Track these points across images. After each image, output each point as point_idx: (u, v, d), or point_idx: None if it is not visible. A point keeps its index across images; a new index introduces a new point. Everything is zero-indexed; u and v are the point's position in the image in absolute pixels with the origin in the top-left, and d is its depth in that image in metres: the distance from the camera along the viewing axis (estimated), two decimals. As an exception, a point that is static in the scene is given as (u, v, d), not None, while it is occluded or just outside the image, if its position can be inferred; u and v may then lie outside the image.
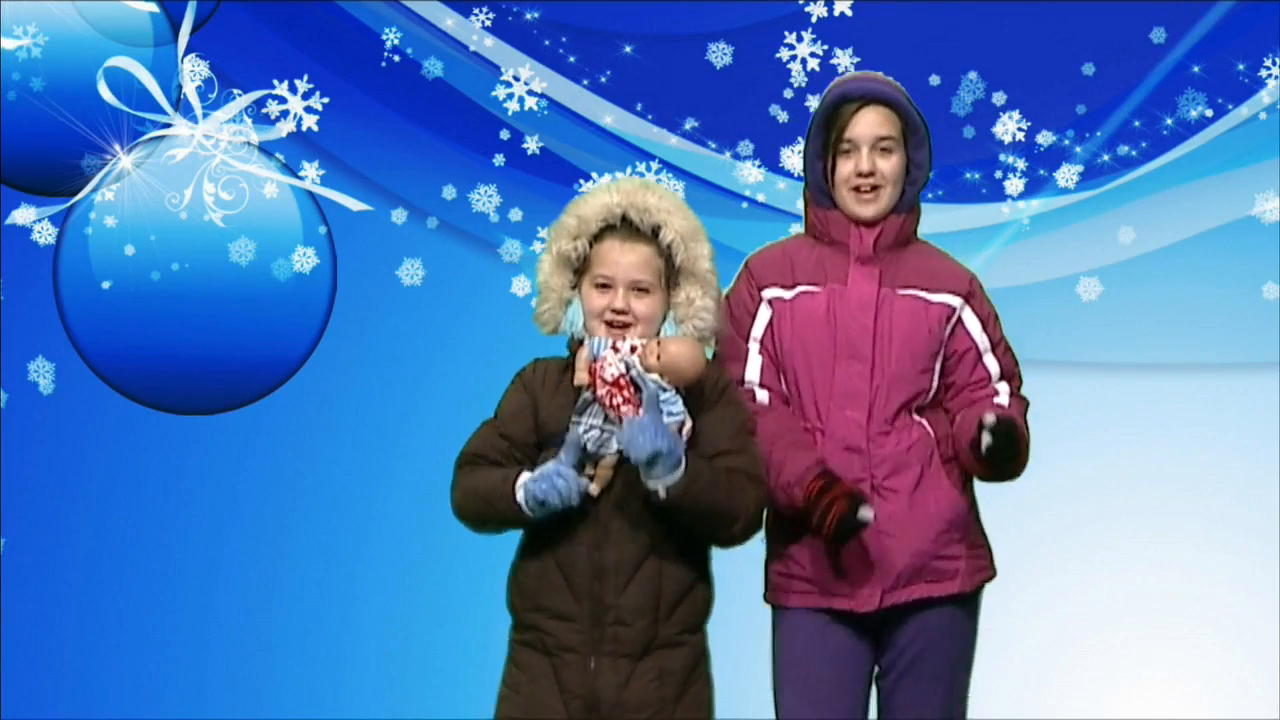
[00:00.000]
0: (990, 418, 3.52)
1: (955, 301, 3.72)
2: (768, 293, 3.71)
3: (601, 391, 3.38)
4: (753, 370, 3.70)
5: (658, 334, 3.49)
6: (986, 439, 3.53)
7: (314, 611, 5.25)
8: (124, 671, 5.26)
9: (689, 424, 3.42)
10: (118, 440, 5.25)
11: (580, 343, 3.49)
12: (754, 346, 3.71)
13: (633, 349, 3.42)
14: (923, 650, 3.69)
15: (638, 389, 3.38)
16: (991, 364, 3.74)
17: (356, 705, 5.20)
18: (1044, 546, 5.11)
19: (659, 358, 3.41)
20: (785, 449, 3.59)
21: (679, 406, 3.40)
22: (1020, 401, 3.77)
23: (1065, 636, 5.12)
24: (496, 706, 3.55)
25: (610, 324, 3.46)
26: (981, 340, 3.73)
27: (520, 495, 3.39)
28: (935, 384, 3.71)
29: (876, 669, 3.75)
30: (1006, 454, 3.57)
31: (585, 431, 3.40)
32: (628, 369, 3.39)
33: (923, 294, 3.70)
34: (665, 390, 3.40)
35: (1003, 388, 3.75)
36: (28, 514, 5.26)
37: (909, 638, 3.69)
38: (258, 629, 5.25)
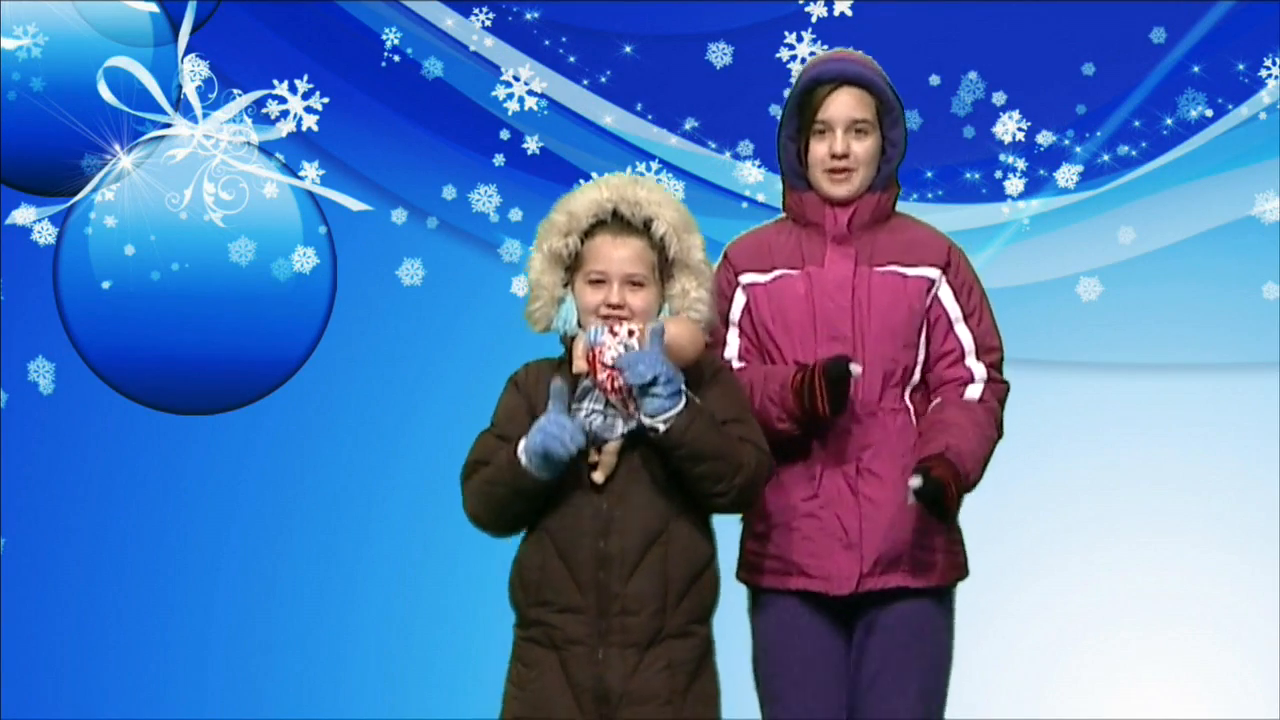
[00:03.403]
0: (916, 481, 3.49)
1: (934, 274, 3.70)
2: (744, 278, 3.72)
3: (602, 376, 3.38)
4: (730, 350, 3.72)
5: None
6: (911, 499, 3.51)
7: (314, 611, 5.25)
8: (124, 671, 5.26)
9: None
10: (118, 440, 5.25)
11: (574, 340, 3.49)
12: (732, 330, 3.72)
13: (631, 333, 3.42)
14: (901, 644, 3.67)
15: None
16: (964, 335, 3.70)
17: (356, 705, 5.20)
18: (1044, 546, 5.11)
19: None
20: (763, 373, 3.62)
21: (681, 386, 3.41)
22: (996, 387, 3.72)
23: (1065, 636, 5.12)
24: (503, 705, 3.52)
25: (606, 319, 3.45)
26: (953, 309, 3.70)
27: (522, 458, 3.36)
28: (921, 359, 3.70)
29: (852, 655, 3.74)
30: (936, 512, 3.55)
31: (587, 416, 3.40)
32: (627, 351, 3.39)
33: (901, 269, 3.69)
34: None
35: (977, 369, 3.70)
36: (28, 514, 5.26)
37: (886, 629, 3.66)
38: (258, 629, 5.25)
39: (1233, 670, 5.09)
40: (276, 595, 5.26)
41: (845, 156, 3.67)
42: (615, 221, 3.48)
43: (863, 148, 3.68)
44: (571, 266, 3.51)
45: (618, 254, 3.47)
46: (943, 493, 3.51)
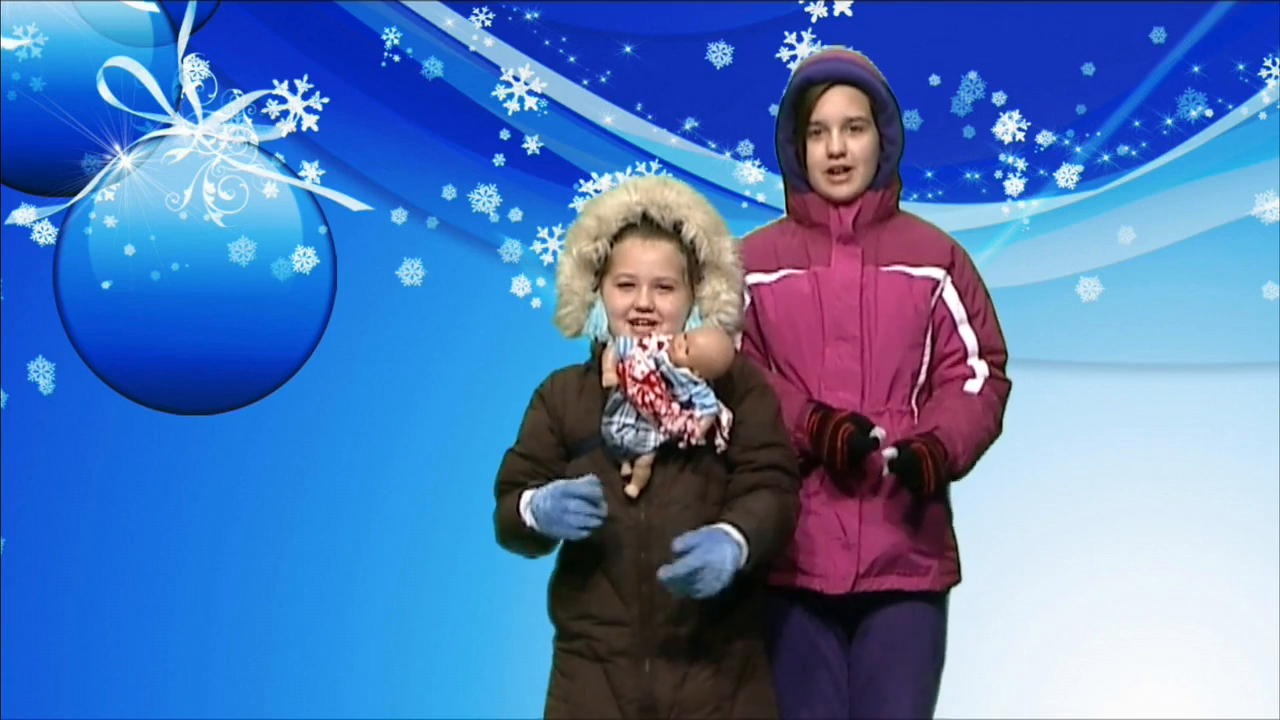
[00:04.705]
0: (891, 452, 3.52)
1: (939, 274, 3.70)
2: (749, 279, 3.70)
3: (633, 390, 3.37)
4: None
5: (683, 330, 3.48)
6: (886, 470, 3.55)
7: (314, 611, 5.25)
8: (124, 671, 5.25)
9: (726, 416, 3.41)
10: (118, 440, 5.25)
11: (604, 345, 3.47)
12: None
13: (660, 345, 3.41)
14: (895, 645, 3.67)
15: (669, 384, 3.38)
16: (968, 336, 3.71)
17: (356, 705, 5.20)
18: (1044, 546, 5.11)
19: (688, 351, 3.40)
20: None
21: (711, 399, 3.39)
22: (998, 384, 3.73)
23: (1065, 636, 5.12)
24: (545, 717, 3.50)
25: (635, 323, 3.44)
26: (958, 310, 3.71)
27: (528, 518, 3.36)
28: (927, 359, 3.70)
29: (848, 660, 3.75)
30: (912, 484, 3.56)
31: (619, 430, 3.38)
32: (657, 365, 3.38)
33: (907, 269, 3.69)
34: (697, 384, 3.39)
35: (979, 366, 3.71)
36: (28, 514, 5.26)
37: (880, 631, 3.67)
38: (258, 629, 5.25)
39: (1233, 670, 5.09)
40: (276, 595, 5.26)
41: (843, 155, 3.67)
42: (645, 224, 3.47)
43: (859, 145, 3.68)
44: (600, 270, 3.49)
45: (647, 257, 3.45)
46: (918, 466, 3.52)
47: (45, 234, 5.15)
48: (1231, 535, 5.08)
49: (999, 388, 3.74)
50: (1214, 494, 5.09)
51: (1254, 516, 5.07)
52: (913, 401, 3.69)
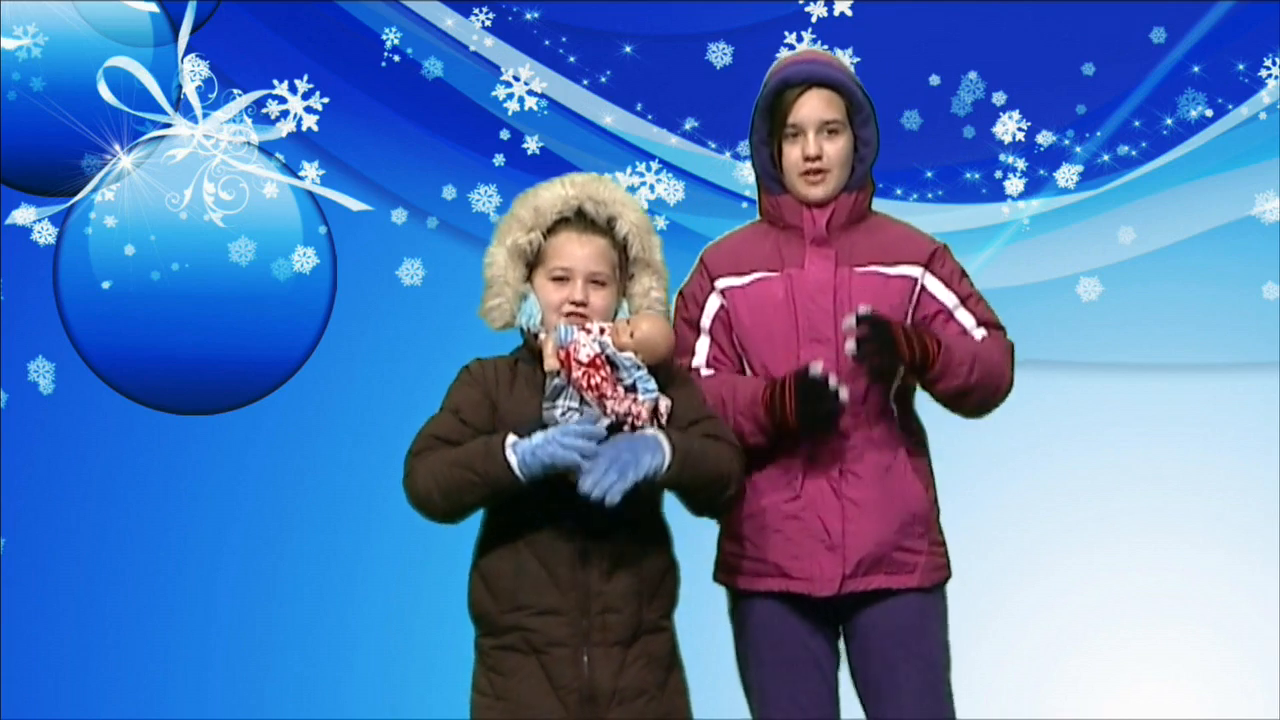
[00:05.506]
0: (864, 308, 3.50)
1: (915, 271, 3.70)
2: (720, 282, 3.71)
3: (578, 374, 3.37)
4: (700, 357, 3.71)
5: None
6: (850, 345, 3.50)
7: (314, 611, 5.25)
8: (124, 671, 5.26)
9: (665, 403, 3.42)
10: (118, 440, 5.25)
11: (536, 336, 3.48)
12: (703, 337, 3.71)
13: (602, 330, 3.42)
14: (892, 644, 3.66)
15: (614, 367, 3.39)
16: (965, 317, 3.70)
17: (356, 705, 5.20)
18: (1044, 546, 5.11)
19: (632, 335, 3.42)
20: (730, 386, 3.61)
21: (653, 384, 3.41)
22: (999, 342, 3.70)
23: (1065, 636, 5.12)
24: (474, 717, 3.46)
25: (568, 316, 3.45)
26: (949, 299, 3.70)
27: (513, 456, 3.32)
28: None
29: (848, 664, 3.74)
30: (881, 343, 3.51)
31: (563, 415, 3.39)
32: (603, 349, 3.39)
33: (881, 269, 3.68)
34: (640, 368, 3.40)
35: (980, 333, 3.70)
36: (28, 514, 5.26)
37: (873, 631, 3.66)
38: (258, 629, 5.25)
39: (1233, 670, 5.09)
40: (276, 595, 5.26)
41: (819, 158, 3.67)
42: (579, 219, 3.49)
43: (835, 148, 3.68)
44: (531, 263, 3.51)
45: (582, 251, 3.47)
46: (888, 331, 3.50)
47: (45, 234, 5.15)
48: (1231, 535, 5.08)
49: (1002, 339, 3.72)
50: (1214, 494, 5.09)
51: (1254, 516, 5.07)
52: (890, 401, 3.69)
